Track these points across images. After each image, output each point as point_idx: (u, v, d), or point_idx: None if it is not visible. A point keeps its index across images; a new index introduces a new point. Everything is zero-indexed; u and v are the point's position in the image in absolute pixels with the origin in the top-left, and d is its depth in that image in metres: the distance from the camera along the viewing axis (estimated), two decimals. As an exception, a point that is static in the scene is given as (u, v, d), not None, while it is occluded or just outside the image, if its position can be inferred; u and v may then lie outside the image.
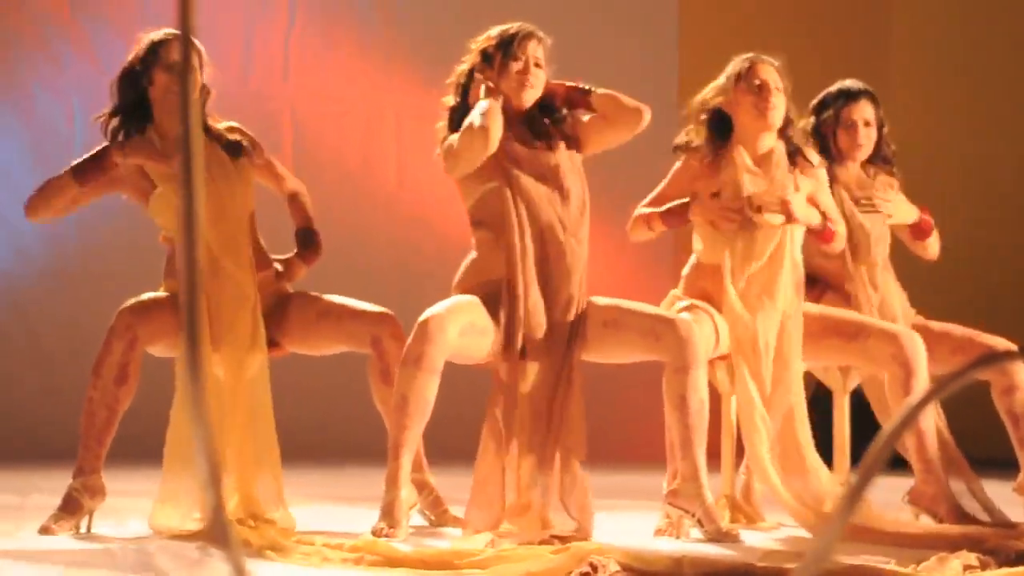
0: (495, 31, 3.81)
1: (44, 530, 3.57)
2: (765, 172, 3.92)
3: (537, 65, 3.76)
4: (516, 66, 3.74)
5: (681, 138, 4.03)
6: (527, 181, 3.72)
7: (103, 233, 6.81)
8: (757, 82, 3.91)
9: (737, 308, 3.84)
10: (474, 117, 3.65)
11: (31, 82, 6.90)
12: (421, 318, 3.57)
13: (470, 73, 3.79)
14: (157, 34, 3.82)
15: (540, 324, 3.67)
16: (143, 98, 3.80)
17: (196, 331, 1.45)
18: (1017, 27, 7.28)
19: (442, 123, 3.81)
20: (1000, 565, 3.05)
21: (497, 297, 3.69)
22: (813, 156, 4.03)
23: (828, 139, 4.22)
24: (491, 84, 3.70)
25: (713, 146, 3.95)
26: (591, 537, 3.53)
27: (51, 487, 3.98)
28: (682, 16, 7.22)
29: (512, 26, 3.81)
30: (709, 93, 3.99)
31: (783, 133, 3.96)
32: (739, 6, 7.27)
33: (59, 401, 6.54)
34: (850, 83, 4.30)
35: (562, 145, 3.78)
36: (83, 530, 3.64)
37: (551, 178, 3.74)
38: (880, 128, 4.26)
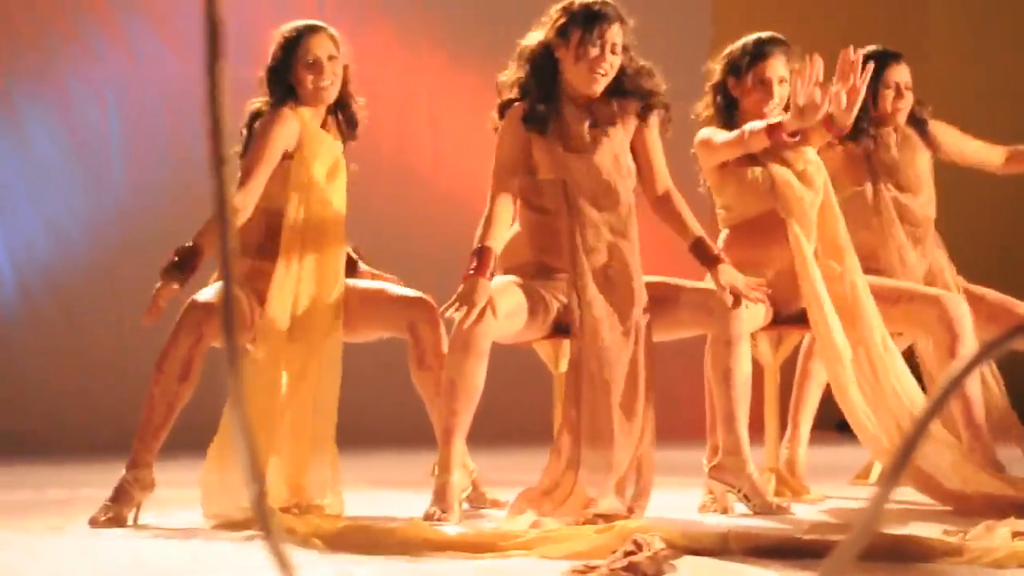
0: (577, 2, 3.66)
1: (93, 522, 3.60)
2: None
3: (614, 52, 3.64)
4: (593, 52, 3.61)
5: (699, 110, 4.02)
6: (577, 185, 3.65)
7: (146, 227, 6.83)
8: (763, 78, 3.91)
9: (808, 256, 3.79)
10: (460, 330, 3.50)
11: (66, 75, 6.92)
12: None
13: (543, 47, 3.67)
14: (289, 29, 3.84)
15: (603, 321, 3.60)
16: (291, 92, 3.81)
17: (233, 322, 1.45)
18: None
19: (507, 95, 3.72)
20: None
21: (546, 278, 3.67)
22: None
23: (867, 102, 4.18)
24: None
25: (723, 122, 3.96)
26: (639, 513, 3.51)
27: (99, 480, 4.01)
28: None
29: (595, 2, 3.66)
30: (718, 65, 3.97)
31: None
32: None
33: (104, 395, 6.59)
34: (880, 47, 4.27)
35: (610, 143, 3.67)
36: (131, 522, 3.66)
37: (597, 181, 3.67)
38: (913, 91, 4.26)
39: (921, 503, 3.75)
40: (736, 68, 3.94)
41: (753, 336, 3.91)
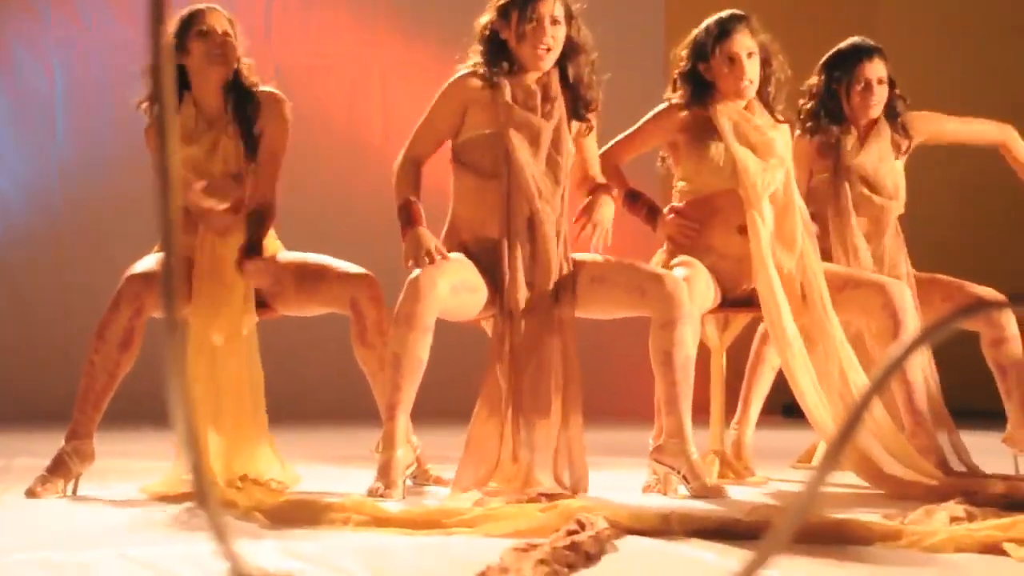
0: None
1: (30, 493, 3.56)
2: (746, 117, 3.94)
3: (555, 22, 3.68)
4: (530, 27, 3.66)
5: (668, 94, 4.04)
6: (519, 141, 3.68)
7: (88, 192, 6.77)
8: (730, 54, 3.91)
9: (764, 242, 3.82)
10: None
11: (12, 41, 6.84)
12: (411, 276, 3.55)
13: (490, 28, 3.72)
14: (185, 10, 3.82)
15: (525, 284, 3.66)
16: (180, 71, 3.77)
17: (173, 292, 1.43)
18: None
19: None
20: (987, 517, 3.05)
21: (486, 254, 3.68)
22: (779, 118, 4.02)
23: (840, 98, 4.21)
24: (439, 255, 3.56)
25: (694, 105, 3.95)
26: (583, 493, 3.52)
27: (36, 450, 3.96)
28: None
29: None
30: (684, 51, 3.99)
31: (761, 94, 3.97)
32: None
33: (44, 363, 6.53)
34: (859, 40, 4.29)
35: (559, 115, 3.71)
36: (68, 493, 3.63)
37: (536, 144, 3.70)
38: (892, 85, 4.26)
39: (861, 487, 3.78)
40: (703, 51, 3.95)
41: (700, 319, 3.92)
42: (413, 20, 7.08)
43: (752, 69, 3.93)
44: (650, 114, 4.02)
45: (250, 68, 3.84)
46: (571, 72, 3.73)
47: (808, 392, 3.75)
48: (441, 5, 6.93)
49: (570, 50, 3.72)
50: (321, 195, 6.96)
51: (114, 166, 6.66)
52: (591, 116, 3.79)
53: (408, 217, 3.65)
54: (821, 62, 4.27)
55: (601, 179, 3.86)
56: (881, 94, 4.22)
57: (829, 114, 4.21)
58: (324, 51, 7.06)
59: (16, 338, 6.71)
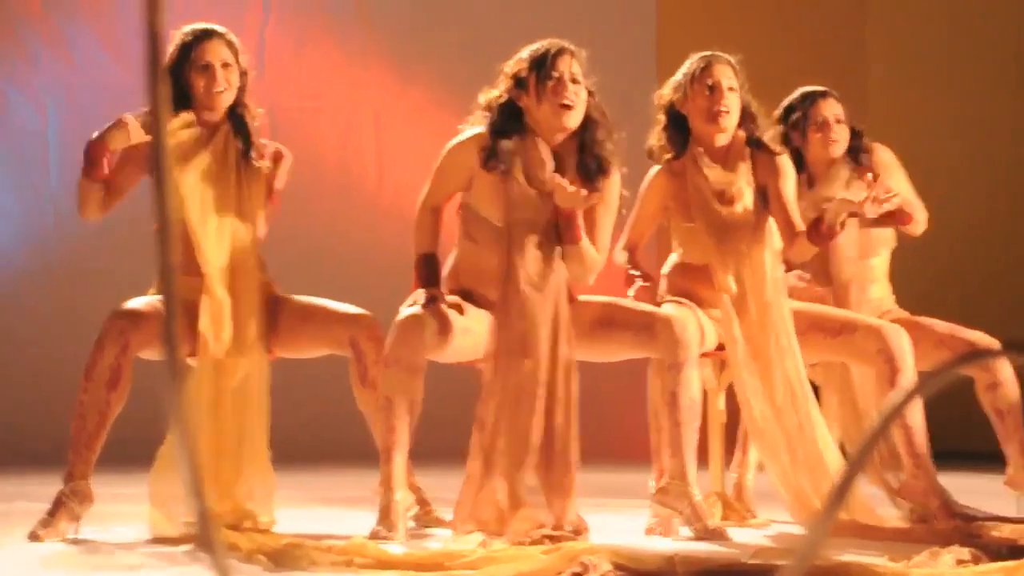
0: (525, 53, 3.69)
1: (33, 536, 3.54)
2: (725, 164, 3.92)
3: (575, 81, 3.66)
4: (551, 84, 3.63)
5: (650, 141, 4.02)
6: (517, 223, 3.64)
7: (85, 232, 6.76)
8: (710, 82, 3.90)
9: (728, 305, 3.83)
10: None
11: (3, 81, 6.85)
12: (398, 318, 3.56)
13: (504, 100, 3.68)
14: (186, 32, 3.78)
15: (526, 347, 3.62)
16: (184, 94, 3.75)
17: (174, 335, 1.43)
18: (992, 25, 7.28)
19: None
20: (992, 559, 3.04)
21: (482, 301, 3.67)
22: (774, 147, 4.00)
23: (800, 142, 4.21)
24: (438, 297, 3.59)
25: (674, 146, 3.94)
26: (585, 535, 3.50)
27: (36, 493, 3.94)
28: (660, 19, 7.20)
29: (541, 45, 3.69)
30: (667, 91, 3.99)
31: (743, 126, 3.94)
32: (717, 8, 7.26)
33: (41, 404, 6.50)
34: (811, 87, 4.30)
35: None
36: (71, 535, 3.61)
37: (533, 227, 3.66)
38: (851, 125, 4.25)
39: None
40: (682, 85, 3.95)
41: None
42: (407, 60, 7.10)
43: (732, 101, 3.90)
44: (641, 189, 4.01)
45: (249, 83, 3.82)
46: (587, 138, 3.68)
47: (781, 479, 3.78)
48: (435, 45, 6.96)
49: (587, 118, 3.68)
50: (314, 237, 6.95)
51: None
52: (601, 184, 3.67)
53: (424, 277, 3.65)
54: (776, 113, 4.22)
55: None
56: (840, 132, 4.21)
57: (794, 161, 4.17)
58: (316, 92, 7.07)
59: (10, 380, 6.69)
